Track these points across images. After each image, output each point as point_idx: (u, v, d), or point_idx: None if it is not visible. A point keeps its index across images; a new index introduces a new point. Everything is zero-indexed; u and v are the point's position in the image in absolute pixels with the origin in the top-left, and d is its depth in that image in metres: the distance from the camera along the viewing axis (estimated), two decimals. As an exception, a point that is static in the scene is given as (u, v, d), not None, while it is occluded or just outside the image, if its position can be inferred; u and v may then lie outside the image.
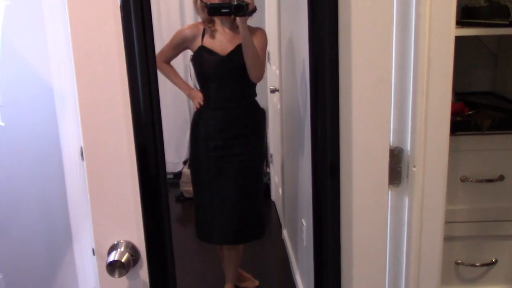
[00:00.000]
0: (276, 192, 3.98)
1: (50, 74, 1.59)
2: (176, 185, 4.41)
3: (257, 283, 2.88)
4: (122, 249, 1.12)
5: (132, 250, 1.13)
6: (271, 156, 4.19)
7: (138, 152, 1.08)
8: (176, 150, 4.79)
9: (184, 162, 4.61)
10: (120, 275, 1.08)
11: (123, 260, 1.09)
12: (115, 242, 1.14)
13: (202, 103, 2.47)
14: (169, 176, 4.69)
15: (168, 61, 2.60)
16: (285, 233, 3.42)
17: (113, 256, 1.09)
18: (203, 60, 2.41)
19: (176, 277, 1.19)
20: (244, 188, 2.54)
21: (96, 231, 1.13)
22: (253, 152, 2.54)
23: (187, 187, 4.18)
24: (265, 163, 4.23)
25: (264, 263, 3.07)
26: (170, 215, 1.15)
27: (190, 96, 2.56)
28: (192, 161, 2.64)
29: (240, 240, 2.66)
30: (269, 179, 4.30)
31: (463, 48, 1.83)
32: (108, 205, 1.12)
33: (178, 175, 4.46)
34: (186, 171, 4.24)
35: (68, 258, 1.73)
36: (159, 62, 2.54)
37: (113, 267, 1.08)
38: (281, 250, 3.32)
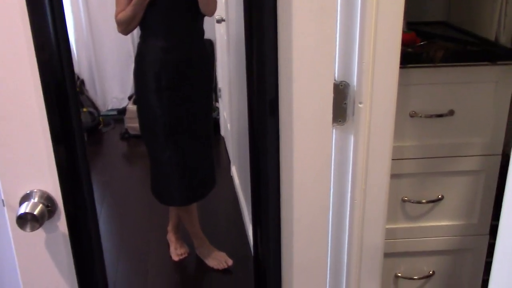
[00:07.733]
0: (225, 127, 3.87)
1: None
2: (121, 121, 4.23)
3: (230, 262, 2.54)
4: (36, 199, 1.00)
5: (48, 200, 1.01)
6: (220, 90, 4.04)
7: (43, 82, 0.92)
8: (121, 85, 4.57)
9: (129, 97, 4.41)
10: (33, 229, 0.96)
11: (35, 212, 0.96)
12: (28, 192, 1.01)
13: None
14: (113, 112, 4.51)
15: None
16: (233, 169, 3.35)
17: (24, 208, 0.96)
18: None
19: (99, 226, 1.09)
20: (199, 137, 2.32)
21: (4, 179, 0.99)
22: (205, 94, 2.32)
23: (132, 124, 4.00)
24: (214, 97, 4.10)
25: (212, 202, 2.99)
26: (88, 157, 1.02)
27: None
28: (140, 103, 2.30)
29: (201, 195, 2.44)
30: (218, 114, 4.18)
31: (417, -26, 1.72)
32: (16, 149, 0.97)
33: (122, 111, 4.26)
34: (131, 107, 4.06)
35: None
36: None
37: (24, 220, 0.95)
38: (230, 187, 3.26)
